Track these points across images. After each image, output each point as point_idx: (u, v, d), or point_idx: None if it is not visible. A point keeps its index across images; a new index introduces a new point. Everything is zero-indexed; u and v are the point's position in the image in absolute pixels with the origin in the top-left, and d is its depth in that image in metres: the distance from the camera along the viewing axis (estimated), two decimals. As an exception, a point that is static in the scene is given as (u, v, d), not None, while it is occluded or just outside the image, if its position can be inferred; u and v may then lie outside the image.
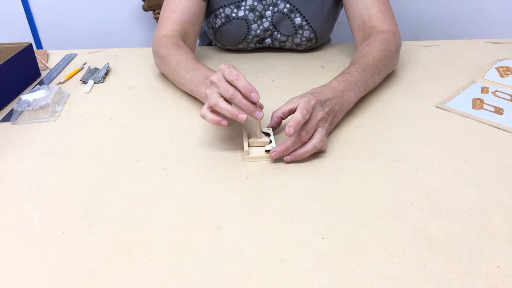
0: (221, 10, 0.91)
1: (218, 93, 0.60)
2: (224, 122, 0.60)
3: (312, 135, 0.62)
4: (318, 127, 0.62)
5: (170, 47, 0.80)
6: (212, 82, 0.61)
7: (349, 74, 0.71)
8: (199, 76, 0.71)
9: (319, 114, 0.62)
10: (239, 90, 0.59)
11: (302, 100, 0.61)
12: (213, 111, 0.61)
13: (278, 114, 0.66)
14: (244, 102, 0.59)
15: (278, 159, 0.62)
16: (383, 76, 0.80)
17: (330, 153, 0.64)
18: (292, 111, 0.65)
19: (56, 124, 0.75)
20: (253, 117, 0.60)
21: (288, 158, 0.61)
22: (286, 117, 0.67)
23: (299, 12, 0.91)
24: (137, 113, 0.77)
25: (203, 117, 0.61)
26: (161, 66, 0.84)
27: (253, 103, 0.60)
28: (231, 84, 0.59)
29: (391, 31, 0.82)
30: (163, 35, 0.84)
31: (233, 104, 0.60)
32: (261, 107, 0.64)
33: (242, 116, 0.59)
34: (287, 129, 0.58)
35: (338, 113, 0.67)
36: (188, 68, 0.74)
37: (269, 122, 0.68)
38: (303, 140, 0.61)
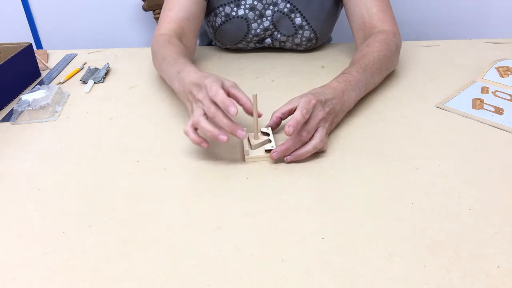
0: (221, 9, 0.91)
1: (203, 110, 0.59)
2: (205, 144, 0.60)
3: (313, 135, 0.62)
4: (319, 127, 0.62)
5: (160, 44, 0.80)
6: (198, 100, 0.60)
7: (349, 75, 0.71)
8: (173, 70, 0.70)
9: (320, 114, 0.62)
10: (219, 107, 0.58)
11: (303, 100, 0.61)
12: (197, 129, 0.61)
13: (278, 114, 0.66)
14: (224, 121, 0.58)
15: (278, 159, 0.62)
16: (383, 76, 0.80)
17: (330, 153, 0.64)
18: (292, 111, 0.65)
19: (56, 124, 0.75)
20: (235, 137, 0.59)
21: (288, 158, 0.61)
22: (286, 117, 0.67)
23: (299, 12, 0.91)
24: (137, 113, 0.77)
25: (186, 134, 0.61)
26: (154, 63, 0.85)
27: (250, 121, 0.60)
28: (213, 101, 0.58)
29: (391, 31, 0.82)
30: (159, 34, 0.84)
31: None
32: (259, 115, 0.63)
33: (223, 137, 0.57)
34: (286, 129, 0.58)
35: (338, 113, 0.67)
36: (169, 63, 0.74)
37: (268, 122, 0.68)
38: (304, 140, 0.61)
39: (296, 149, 0.61)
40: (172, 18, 0.85)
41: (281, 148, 0.60)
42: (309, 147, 0.61)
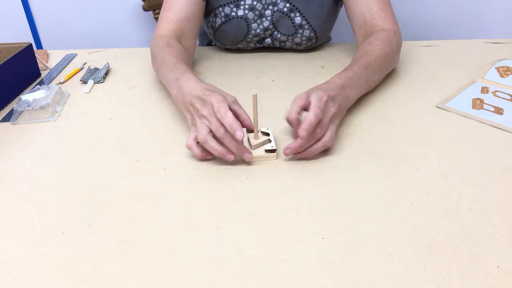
0: (220, 9, 0.91)
1: (209, 127, 0.60)
2: (209, 156, 0.61)
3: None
4: (330, 123, 0.62)
5: (160, 47, 0.80)
6: (202, 116, 0.61)
7: (351, 71, 0.71)
8: (173, 76, 0.71)
9: (332, 110, 0.62)
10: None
11: (315, 98, 0.60)
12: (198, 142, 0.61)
13: (294, 115, 0.62)
14: (234, 144, 0.59)
15: (277, 159, 0.62)
16: (384, 74, 0.80)
17: (330, 153, 0.64)
18: (303, 108, 0.63)
19: (56, 124, 0.75)
20: (242, 158, 0.60)
21: (298, 155, 0.61)
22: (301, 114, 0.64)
23: (299, 11, 0.91)
24: (137, 113, 0.77)
25: (189, 148, 0.62)
26: (152, 65, 0.85)
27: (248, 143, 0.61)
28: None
29: (392, 29, 0.82)
30: (159, 35, 0.84)
31: None
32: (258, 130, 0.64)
33: (230, 157, 0.59)
34: (301, 132, 0.58)
35: (343, 109, 0.67)
36: (168, 67, 0.74)
37: (268, 122, 0.68)
38: (318, 136, 0.61)
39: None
40: (171, 19, 0.85)
41: (294, 145, 0.60)
42: (319, 145, 0.61)
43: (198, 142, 0.61)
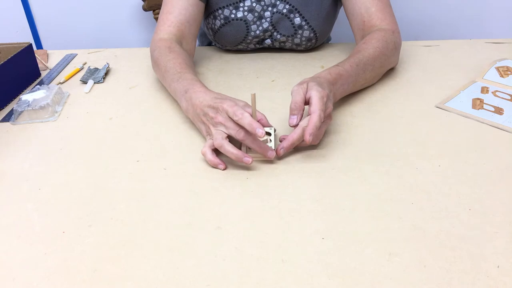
0: (220, 11, 0.91)
1: (225, 133, 0.60)
2: (221, 166, 0.61)
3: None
4: (323, 122, 0.62)
5: (162, 52, 0.80)
6: (217, 123, 0.61)
7: (342, 68, 0.71)
8: (181, 88, 0.71)
9: (328, 110, 0.62)
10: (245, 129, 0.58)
11: (317, 98, 0.60)
12: (215, 149, 0.62)
13: (300, 105, 0.62)
14: (257, 143, 0.60)
15: (276, 158, 0.62)
16: (377, 73, 0.80)
17: (330, 153, 0.64)
18: (304, 101, 0.63)
19: (56, 124, 0.75)
20: (265, 157, 0.61)
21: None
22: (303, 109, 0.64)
23: (298, 12, 0.91)
24: (137, 113, 0.77)
25: (203, 155, 0.62)
26: (154, 70, 0.85)
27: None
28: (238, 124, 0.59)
29: (390, 29, 0.82)
30: (159, 39, 0.84)
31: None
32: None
33: (248, 159, 0.59)
34: (307, 137, 0.58)
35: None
36: (174, 77, 0.74)
37: (271, 123, 0.68)
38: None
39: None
40: (172, 22, 0.85)
41: (287, 144, 0.61)
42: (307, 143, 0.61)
43: (213, 149, 0.62)
